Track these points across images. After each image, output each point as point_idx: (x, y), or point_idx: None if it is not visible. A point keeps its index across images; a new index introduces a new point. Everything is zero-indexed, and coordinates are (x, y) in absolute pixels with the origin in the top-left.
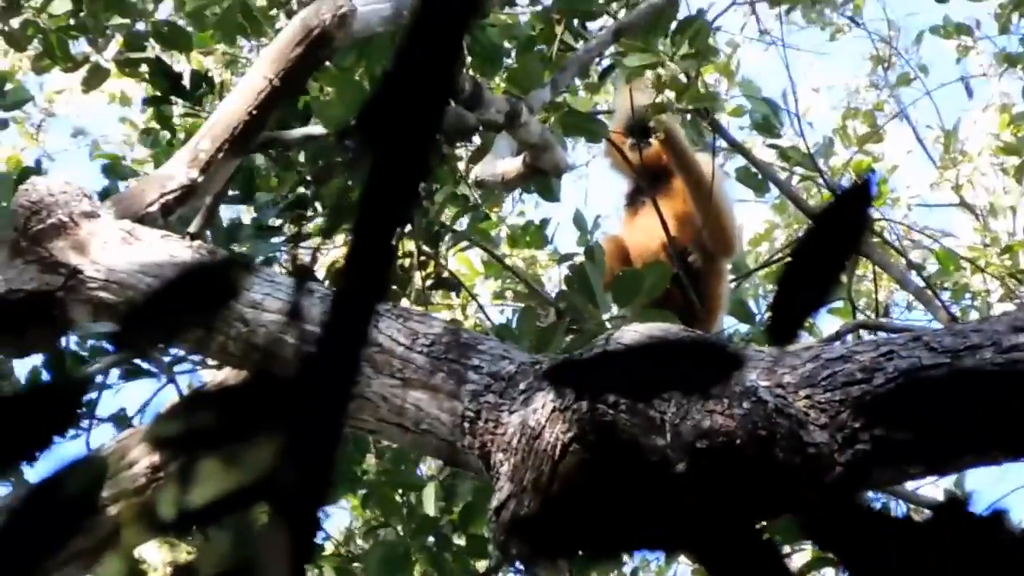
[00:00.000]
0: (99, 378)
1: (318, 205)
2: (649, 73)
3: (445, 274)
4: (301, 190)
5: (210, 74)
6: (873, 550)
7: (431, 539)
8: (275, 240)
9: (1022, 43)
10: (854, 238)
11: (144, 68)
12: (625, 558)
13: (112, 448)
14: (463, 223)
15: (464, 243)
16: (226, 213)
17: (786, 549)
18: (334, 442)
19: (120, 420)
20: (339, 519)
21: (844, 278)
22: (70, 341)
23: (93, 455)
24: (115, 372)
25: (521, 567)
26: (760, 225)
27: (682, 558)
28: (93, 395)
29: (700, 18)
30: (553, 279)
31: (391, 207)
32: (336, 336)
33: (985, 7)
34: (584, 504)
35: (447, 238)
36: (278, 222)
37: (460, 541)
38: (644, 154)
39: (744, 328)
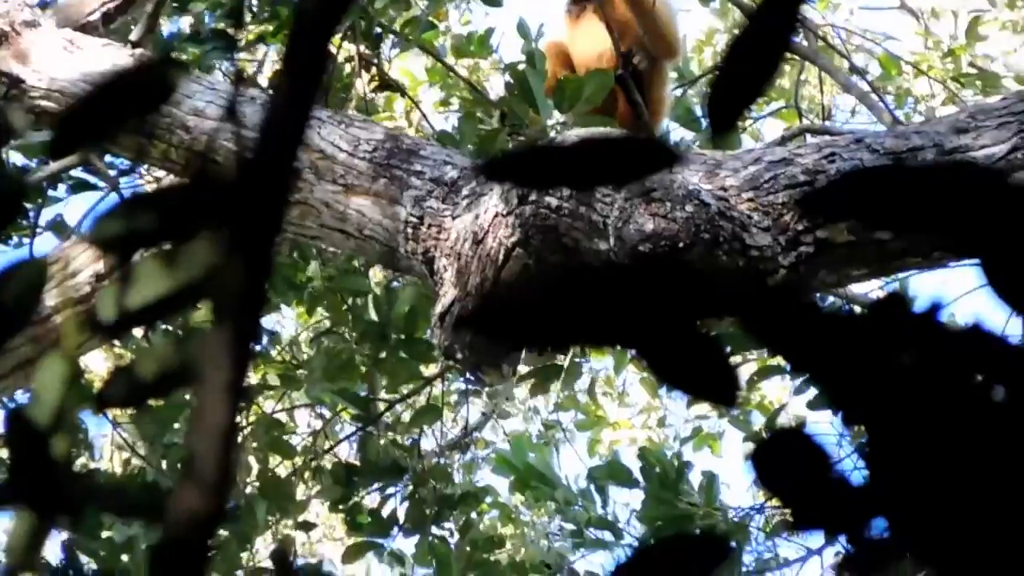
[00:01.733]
0: (44, 190)
1: (256, 10)
2: None
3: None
4: None
5: None
6: (816, 346)
7: (377, 345)
8: (214, 48)
9: None
10: (786, 32)
11: None
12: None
13: (55, 257)
14: (407, 31)
15: (407, 50)
16: (168, 25)
17: (736, 359)
18: (270, 244)
19: (59, 228)
20: (284, 330)
21: (781, 76)
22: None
23: (31, 258)
24: (62, 187)
25: (466, 371)
26: (703, 32)
27: (631, 368)
28: (36, 206)
29: None
30: (497, 88)
31: (324, 9)
32: (272, 137)
33: None
34: (527, 303)
35: (389, 39)
36: (218, 29)
37: (406, 346)
38: None
39: (689, 135)
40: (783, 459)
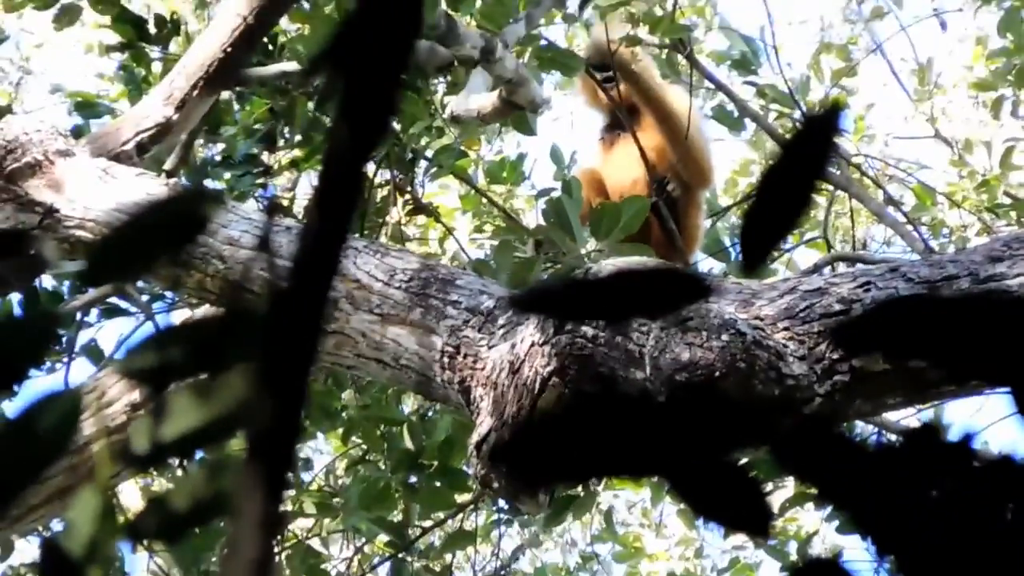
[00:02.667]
0: (77, 316)
1: (288, 138)
2: (623, 8)
3: (423, 202)
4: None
5: (178, 17)
6: (848, 478)
7: (411, 473)
8: (247, 174)
9: None
10: (820, 164)
11: (117, 3)
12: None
13: (90, 386)
14: (440, 159)
15: (441, 177)
16: (203, 152)
17: (768, 486)
18: (304, 375)
19: (94, 354)
20: (320, 456)
21: (814, 207)
22: (45, 280)
23: (67, 389)
24: (94, 312)
25: (502, 500)
26: (736, 163)
27: (667, 499)
28: (70, 332)
29: None
30: (530, 215)
31: (359, 138)
32: (306, 267)
33: None
34: (563, 434)
35: (422, 165)
36: (251, 155)
37: (441, 475)
38: (617, 89)
39: (719, 265)
40: None
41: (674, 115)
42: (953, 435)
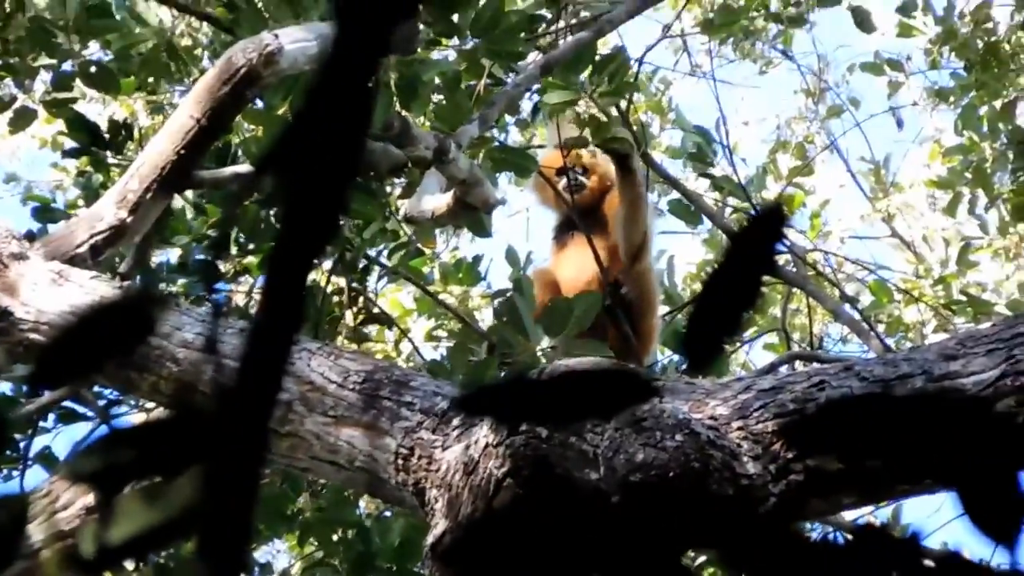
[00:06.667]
0: (33, 421)
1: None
2: (571, 109)
3: (376, 310)
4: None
5: (133, 121)
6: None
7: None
8: (199, 278)
9: (952, 78)
10: (767, 261)
11: (72, 109)
12: None
13: (44, 490)
14: (395, 260)
15: (396, 280)
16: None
17: None
18: (254, 476)
19: (48, 460)
20: (278, 559)
21: (766, 304)
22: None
23: (12, 493)
24: (51, 417)
25: None
26: (693, 264)
27: None
28: (25, 437)
29: (620, 54)
30: (487, 317)
31: (306, 241)
32: (252, 369)
33: (915, 42)
34: (518, 535)
35: (377, 272)
36: (205, 261)
37: None
38: (577, 192)
39: (679, 358)
40: None
41: (643, 210)
42: (902, 533)
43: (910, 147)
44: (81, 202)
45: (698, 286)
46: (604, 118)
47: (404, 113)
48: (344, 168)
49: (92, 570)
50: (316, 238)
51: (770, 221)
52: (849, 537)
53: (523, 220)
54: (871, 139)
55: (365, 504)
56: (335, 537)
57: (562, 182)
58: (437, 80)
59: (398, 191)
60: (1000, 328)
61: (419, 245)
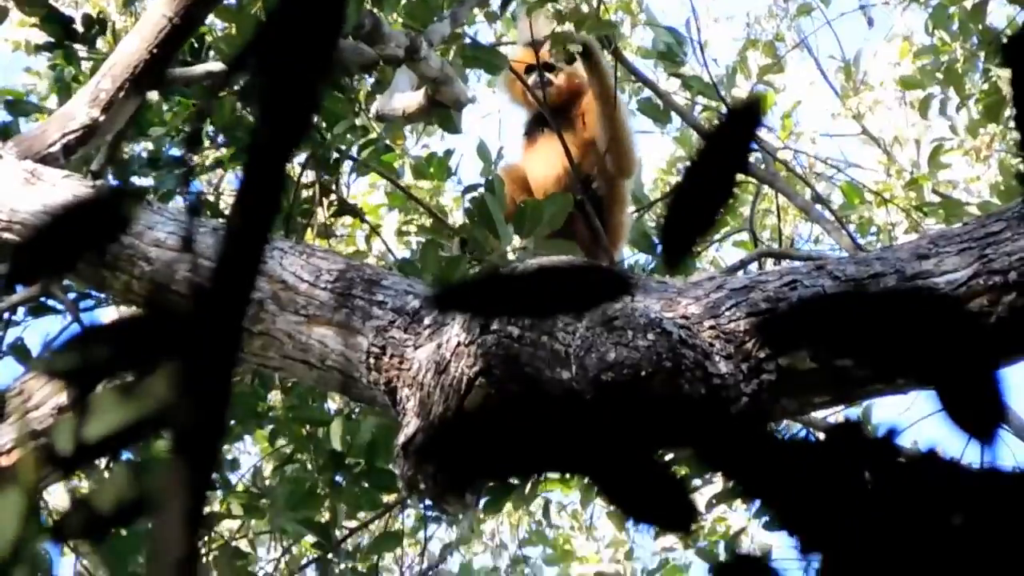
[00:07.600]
0: (5, 315)
1: (214, 137)
2: (549, 4)
3: (348, 202)
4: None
5: (105, 16)
6: (773, 475)
7: (338, 474)
8: (172, 173)
9: None
10: (741, 158)
11: (44, 3)
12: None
13: (16, 389)
14: (365, 155)
15: (367, 174)
16: (129, 151)
17: (696, 482)
18: (228, 375)
19: (21, 352)
20: (248, 457)
21: (738, 202)
22: None
23: None
24: (21, 311)
25: (428, 501)
26: (663, 160)
27: (598, 501)
28: None
29: None
30: (458, 213)
31: (282, 136)
32: (227, 266)
33: None
34: (490, 433)
35: (348, 165)
36: (177, 155)
37: (367, 475)
38: (547, 88)
39: (646, 259)
40: None
41: (617, 106)
42: (877, 431)
43: (881, 46)
44: (53, 96)
45: (670, 183)
46: (585, 10)
47: (375, 11)
48: (318, 65)
49: (68, 467)
50: (290, 133)
51: (745, 118)
52: (822, 436)
53: (495, 122)
54: (841, 37)
55: (336, 402)
56: (305, 435)
57: (531, 78)
58: None
59: (368, 89)
60: (972, 227)
61: (388, 142)
